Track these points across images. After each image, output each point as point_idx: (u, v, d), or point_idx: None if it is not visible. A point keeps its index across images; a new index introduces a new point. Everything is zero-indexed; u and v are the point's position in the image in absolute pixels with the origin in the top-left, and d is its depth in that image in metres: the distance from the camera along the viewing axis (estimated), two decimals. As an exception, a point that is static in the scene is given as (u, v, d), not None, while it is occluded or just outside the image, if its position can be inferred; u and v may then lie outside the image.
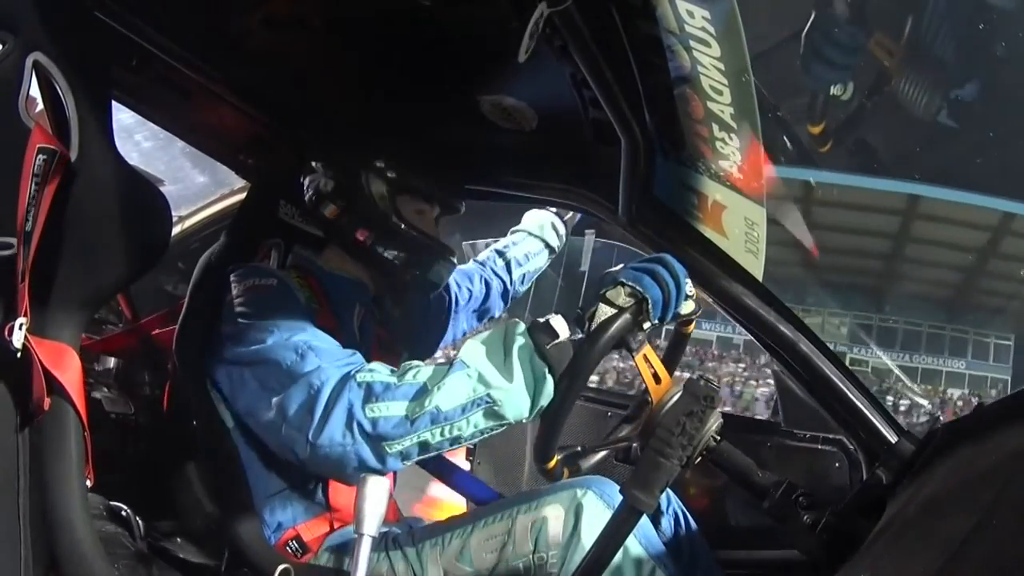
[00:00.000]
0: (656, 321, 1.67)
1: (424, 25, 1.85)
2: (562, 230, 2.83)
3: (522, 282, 2.79)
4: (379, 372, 1.72)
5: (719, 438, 1.73)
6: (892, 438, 2.04)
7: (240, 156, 2.57)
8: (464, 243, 3.18)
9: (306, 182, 2.23)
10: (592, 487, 1.78)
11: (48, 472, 1.74)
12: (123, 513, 2.08)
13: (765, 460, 2.44)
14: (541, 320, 1.67)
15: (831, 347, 2.18)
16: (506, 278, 2.74)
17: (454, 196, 2.30)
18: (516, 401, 1.65)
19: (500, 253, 2.78)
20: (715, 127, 1.76)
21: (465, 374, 1.64)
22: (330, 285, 2.15)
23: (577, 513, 1.74)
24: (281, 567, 1.85)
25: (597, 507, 1.74)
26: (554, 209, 2.82)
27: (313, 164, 2.22)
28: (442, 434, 1.66)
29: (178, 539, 2.22)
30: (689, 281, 1.69)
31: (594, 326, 1.65)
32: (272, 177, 2.48)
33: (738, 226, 1.94)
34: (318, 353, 1.78)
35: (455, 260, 2.30)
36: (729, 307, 2.21)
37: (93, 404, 2.06)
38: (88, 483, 1.82)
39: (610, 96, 1.81)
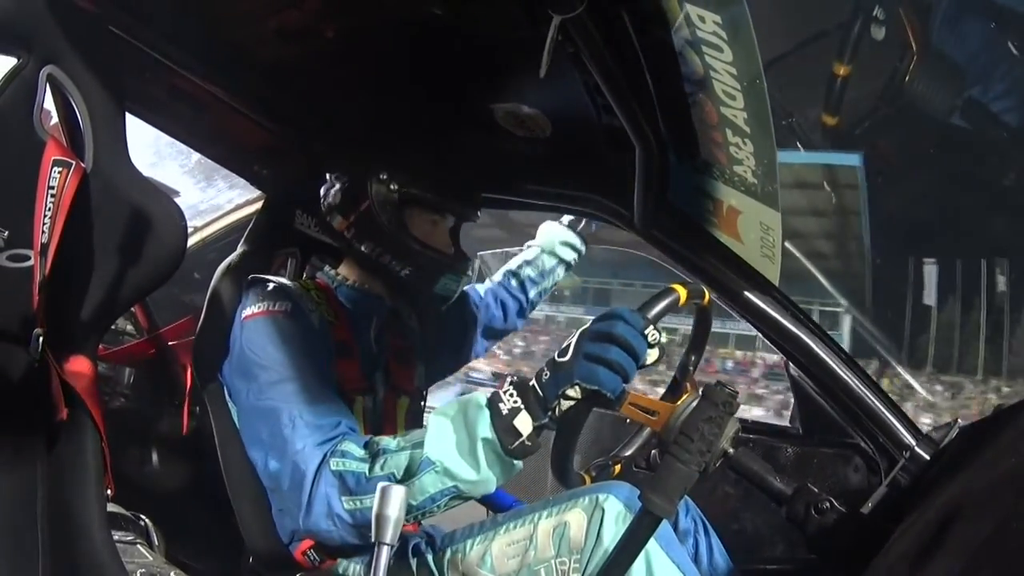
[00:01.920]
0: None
1: (437, 34, 1.85)
2: (577, 243, 2.80)
3: (539, 297, 2.78)
4: (351, 457, 1.74)
5: (737, 444, 1.73)
6: (911, 442, 2.03)
7: (255, 167, 2.58)
8: (479, 254, 3.16)
9: (322, 192, 2.22)
10: (614, 492, 1.77)
11: (66, 482, 1.75)
12: (141, 522, 2.09)
13: (783, 465, 2.43)
14: (505, 410, 1.63)
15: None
16: (522, 298, 2.73)
17: (469, 205, 2.28)
18: (483, 486, 1.67)
19: (515, 273, 2.76)
20: (729, 132, 1.76)
21: (433, 471, 1.65)
22: (347, 298, 2.16)
23: (599, 518, 1.73)
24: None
25: (619, 512, 1.73)
26: (568, 219, 2.80)
27: (328, 175, 2.22)
28: (416, 518, 1.74)
29: (196, 548, 2.23)
30: (651, 330, 1.64)
31: (558, 415, 1.64)
32: (287, 188, 2.48)
33: (753, 231, 1.94)
34: (308, 426, 1.81)
35: (469, 272, 2.27)
36: (745, 312, 2.21)
37: (110, 414, 2.06)
38: (109, 492, 1.83)
39: (623, 102, 1.80)
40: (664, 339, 1.63)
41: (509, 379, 1.69)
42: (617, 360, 1.55)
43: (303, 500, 1.75)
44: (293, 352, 1.91)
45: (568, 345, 1.59)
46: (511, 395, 1.64)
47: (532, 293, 2.75)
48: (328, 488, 1.72)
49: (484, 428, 1.63)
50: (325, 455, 1.75)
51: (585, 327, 1.60)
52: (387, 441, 1.75)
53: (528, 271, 2.75)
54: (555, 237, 2.79)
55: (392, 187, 2.12)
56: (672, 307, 1.65)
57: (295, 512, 1.77)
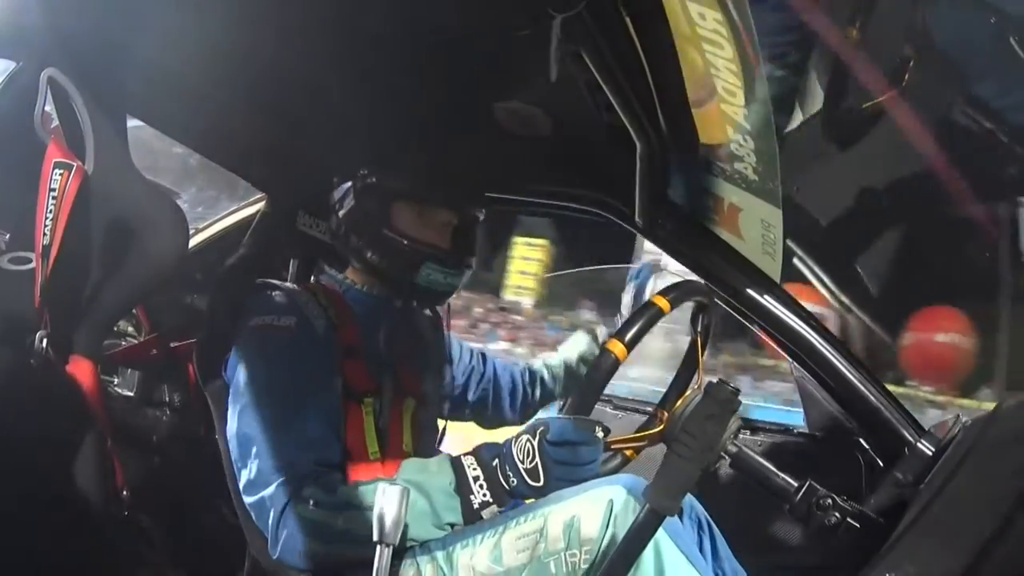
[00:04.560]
0: None
1: (437, 33, 1.85)
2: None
3: (540, 401, 2.69)
4: (317, 505, 1.77)
5: (739, 441, 1.73)
6: (913, 439, 2.03)
7: (256, 168, 2.58)
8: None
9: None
10: (624, 485, 1.76)
11: (69, 483, 1.75)
12: (143, 523, 2.09)
13: (786, 462, 2.42)
14: (476, 503, 1.74)
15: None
16: (529, 391, 2.66)
17: (465, 200, 2.26)
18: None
19: (531, 370, 2.69)
20: (729, 129, 1.76)
21: None
22: (354, 300, 2.16)
23: (609, 510, 1.73)
24: None
25: (629, 504, 1.72)
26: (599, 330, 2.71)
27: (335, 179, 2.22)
28: None
29: (199, 549, 2.23)
30: (597, 431, 1.69)
31: None
32: (289, 189, 2.48)
33: (754, 228, 1.94)
34: (279, 460, 1.83)
35: (464, 267, 2.21)
36: (746, 309, 2.21)
37: (113, 415, 2.06)
38: (125, 493, 1.83)
39: (624, 100, 1.80)
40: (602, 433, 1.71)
41: (474, 462, 1.78)
42: (585, 475, 1.71)
43: (271, 535, 1.79)
44: (287, 374, 1.91)
45: (535, 466, 1.69)
46: (482, 488, 1.75)
47: (537, 393, 2.67)
48: (294, 530, 1.76)
49: (453, 516, 1.76)
50: (290, 496, 1.78)
51: (542, 445, 1.68)
52: (352, 494, 1.79)
53: (544, 373, 2.68)
54: (579, 353, 2.70)
55: (371, 180, 2.13)
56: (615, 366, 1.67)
57: (267, 542, 1.82)
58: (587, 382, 1.67)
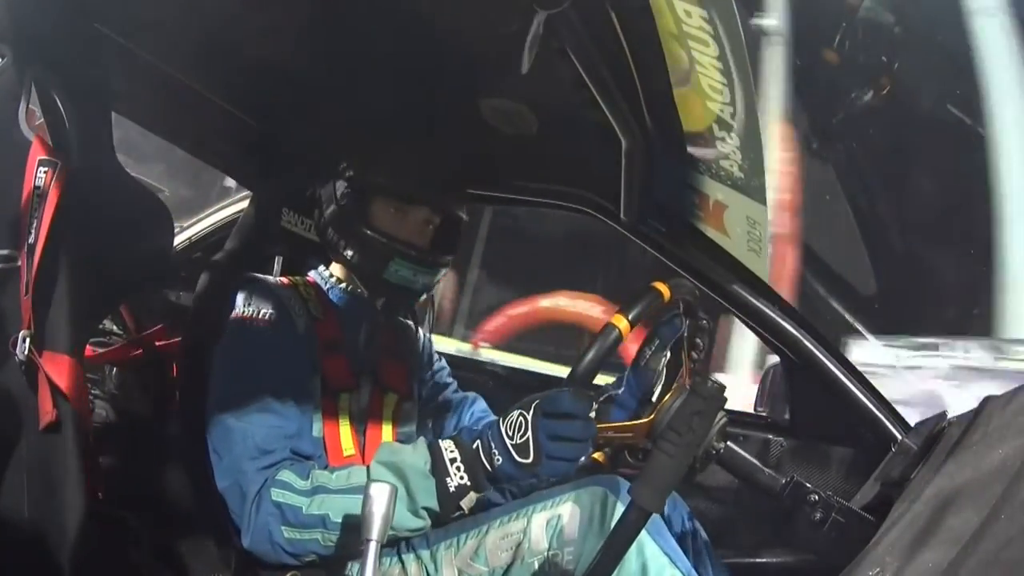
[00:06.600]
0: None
1: (423, 29, 1.85)
2: None
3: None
4: (291, 490, 1.76)
5: (725, 438, 1.73)
6: (899, 434, 2.04)
7: (242, 164, 2.57)
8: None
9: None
10: (606, 484, 1.77)
11: (52, 482, 1.74)
12: (128, 522, 2.08)
13: (772, 459, 2.43)
14: (452, 487, 1.69)
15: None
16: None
17: (445, 198, 2.23)
18: (420, 531, 1.78)
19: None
20: (715, 127, 1.76)
21: None
22: (337, 299, 2.15)
23: (592, 510, 1.74)
24: (290, 573, 1.86)
25: (612, 504, 1.73)
26: None
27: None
28: None
29: (184, 547, 2.22)
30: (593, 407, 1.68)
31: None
32: (274, 185, 2.47)
33: (740, 225, 1.94)
34: (256, 448, 1.83)
35: (438, 266, 2.20)
36: (733, 306, 2.21)
37: (97, 415, 2.05)
38: (99, 494, 1.82)
39: (609, 97, 1.80)
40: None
41: (452, 446, 1.74)
42: (579, 454, 1.63)
43: (244, 522, 1.78)
44: (263, 366, 1.92)
45: (526, 441, 1.62)
46: (459, 470, 1.70)
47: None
48: (268, 516, 1.75)
49: (428, 499, 1.70)
50: (266, 481, 1.78)
51: (536, 418, 1.63)
52: (326, 478, 1.78)
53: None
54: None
55: (348, 174, 2.12)
56: (609, 352, 1.65)
57: (240, 530, 1.81)
58: (588, 355, 1.62)
